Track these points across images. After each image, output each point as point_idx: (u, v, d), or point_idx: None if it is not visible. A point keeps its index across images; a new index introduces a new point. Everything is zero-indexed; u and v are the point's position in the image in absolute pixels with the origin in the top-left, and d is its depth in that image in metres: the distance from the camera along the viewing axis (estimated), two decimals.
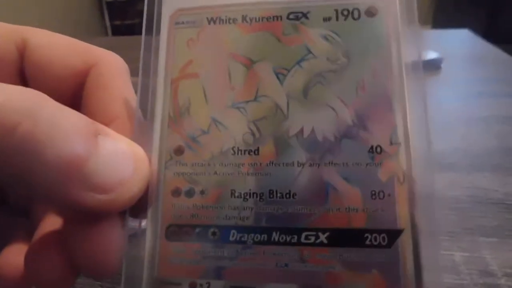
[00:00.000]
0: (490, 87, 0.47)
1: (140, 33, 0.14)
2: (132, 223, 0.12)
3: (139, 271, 0.12)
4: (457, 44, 0.67)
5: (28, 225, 0.15)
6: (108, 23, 2.19)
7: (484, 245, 0.23)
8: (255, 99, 0.13)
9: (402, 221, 0.11)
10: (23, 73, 0.14)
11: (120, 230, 0.12)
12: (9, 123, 0.09)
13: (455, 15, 1.94)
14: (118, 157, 0.11)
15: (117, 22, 2.17)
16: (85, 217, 0.11)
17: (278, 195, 0.12)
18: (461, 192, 0.28)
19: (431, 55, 0.53)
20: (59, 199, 0.10)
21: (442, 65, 0.53)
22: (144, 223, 0.13)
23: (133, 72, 0.15)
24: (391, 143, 0.12)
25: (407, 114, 0.12)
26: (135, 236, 0.12)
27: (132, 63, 0.15)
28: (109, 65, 0.14)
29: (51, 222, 0.14)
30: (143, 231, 0.12)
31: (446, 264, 0.22)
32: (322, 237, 0.12)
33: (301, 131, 0.12)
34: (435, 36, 0.75)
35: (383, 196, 0.12)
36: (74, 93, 0.15)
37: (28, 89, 0.11)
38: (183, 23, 0.13)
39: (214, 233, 0.12)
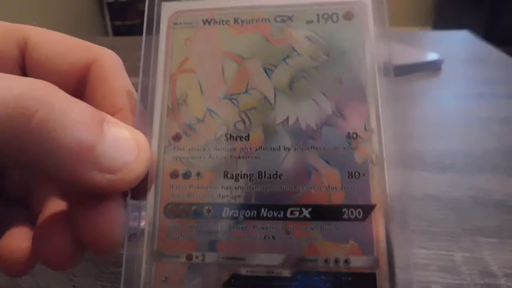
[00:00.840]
0: (490, 88, 0.49)
1: (141, 34, 0.16)
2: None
3: (139, 247, 0.14)
4: (458, 45, 0.69)
5: (27, 214, 0.16)
6: (109, 23, 2.24)
7: (484, 245, 0.24)
8: (245, 92, 0.15)
9: (375, 197, 0.14)
10: (25, 70, 0.16)
11: (122, 209, 0.14)
12: (28, 110, 0.11)
13: (455, 16, 1.99)
14: (122, 142, 0.13)
15: (118, 23, 2.23)
16: (90, 197, 0.13)
17: (266, 176, 0.14)
18: (461, 192, 0.29)
19: (432, 56, 0.56)
20: (72, 179, 0.12)
21: (443, 66, 0.55)
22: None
23: (134, 72, 0.17)
24: (365, 130, 0.14)
25: (379, 105, 0.14)
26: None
27: (132, 62, 0.17)
28: (108, 61, 0.16)
29: (55, 206, 0.15)
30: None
31: (446, 264, 0.23)
32: (305, 212, 0.14)
33: (287, 119, 0.15)
34: (435, 37, 0.77)
35: (359, 176, 0.14)
36: (76, 89, 0.16)
37: (40, 80, 0.12)
38: (181, 23, 0.16)
39: (208, 210, 0.14)
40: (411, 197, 0.30)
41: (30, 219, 0.16)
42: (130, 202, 0.14)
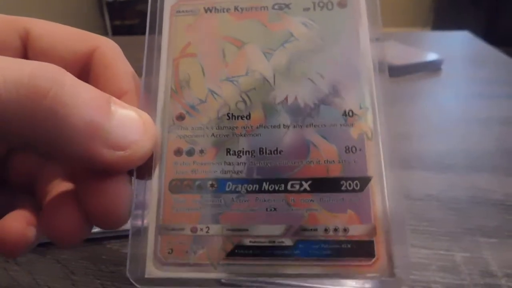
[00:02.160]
0: (490, 88, 0.51)
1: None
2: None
3: (145, 222, 0.16)
4: (457, 46, 0.72)
5: (31, 201, 0.18)
6: (108, 23, 2.35)
7: (484, 245, 0.25)
8: (246, 74, 0.17)
9: (371, 170, 0.15)
10: None
11: (129, 186, 0.15)
12: (42, 88, 0.12)
13: (455, 17, 2.06)
14: (129, 121, 0.15)
15: (117, 22, 2.34)
16: (98, 175, 0.15)
17: (267, 152, 0.16)
18: (461, 192, 0.31)
19: (432, 56, 0.59)
20: (83, 156, 0.13)
21: (442, 67, 0.58)
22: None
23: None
24: (360, 108, 0.16)
25: (373, 85, 0.17)
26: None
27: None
28: (110, 47, 0.18)
29: (62, 187, 0.17)
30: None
31: (446, 264, 0.24)
32: (305, 185, 0.15)
33: (286, 99, 0.17)
34: (435, 38, 0.81)
35: (355, 150, 0.16)
36: (79, 76, 0.18)
37: (48, 63, 0.14)
38: (183, 11, 0.18)
39: (212, 185, 0.16)
40: (411, 197, 0.31)
41: (34, 206, 0.17)
42: (136, 180, 0.16)
